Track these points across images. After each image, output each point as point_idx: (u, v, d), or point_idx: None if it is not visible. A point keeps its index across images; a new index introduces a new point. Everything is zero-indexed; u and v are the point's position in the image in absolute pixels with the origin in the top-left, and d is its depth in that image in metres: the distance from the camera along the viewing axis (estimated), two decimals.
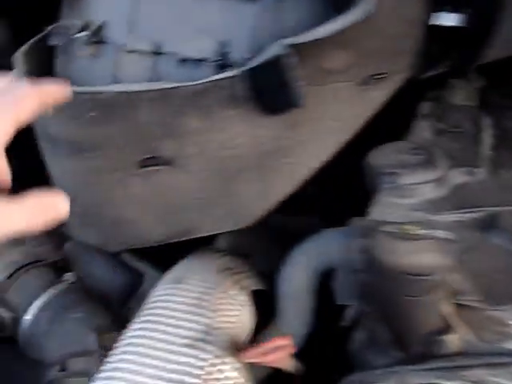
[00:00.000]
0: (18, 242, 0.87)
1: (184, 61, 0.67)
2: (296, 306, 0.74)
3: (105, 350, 0.75)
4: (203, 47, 0.66)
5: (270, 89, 0.59)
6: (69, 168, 0.70)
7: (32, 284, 0.82)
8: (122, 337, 0.66)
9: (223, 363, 0.61)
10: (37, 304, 0.79)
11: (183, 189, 0.68)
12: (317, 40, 0.57)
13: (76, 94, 0.59)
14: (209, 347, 0.61)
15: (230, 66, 0.65)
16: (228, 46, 0.66)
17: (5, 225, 0.36)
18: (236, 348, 0.63)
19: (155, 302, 0.67)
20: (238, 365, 0.62)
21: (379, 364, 0.64)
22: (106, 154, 0.65)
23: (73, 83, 0.70)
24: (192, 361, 0.60)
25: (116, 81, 0.69)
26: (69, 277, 0.82)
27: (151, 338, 0.62)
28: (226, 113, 0.62)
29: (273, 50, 0.59)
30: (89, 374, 0.72)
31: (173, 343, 0.61)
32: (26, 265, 0.83)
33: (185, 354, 0.60)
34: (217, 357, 0.61)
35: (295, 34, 0.59)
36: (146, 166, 0.66)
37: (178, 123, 0.62)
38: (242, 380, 0.62)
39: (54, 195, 0.40)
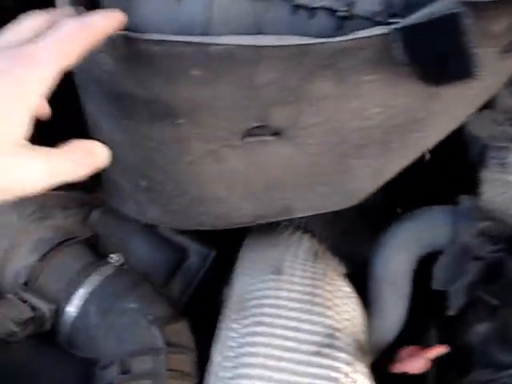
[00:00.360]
0: (43, 215, 0.72)
1: (297, 8, 0.53)
2: (393, 291, 0.66)
3: (171, 346, 0.64)
4: None
5: (435, 54, 0.48)
6: (141, 135, 0.57)
7: (70, 267, 0.68)
8: (222, 341, 0.56)
9: (355, 371, 0.52)
10: (81, 292, 0.66)
11: (289, 164, 0.57)
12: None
13: (171, 44, 0.46)
14: (338, 354, 0.53)
15: (353, 18, 0.54)
16: None
17: (51, 174, 0.37)
18: (361, 350, 0.55)
19: (258, 298, 0.57)
20: (367, 370, 0.54)
21: (509, 362, 0.58)
22: (203, 120, 0.53)
23: (140, 30, 0.57)
24: (324, 372, 0.51)
25: (207, 30, 0.55)
26: (115, 257, 0.69)
27: (268, 345, 0.52)
28: (364, 78, 0.51)
29: (441, 6, 0.47)
30: (157, 376, 0.62)
31: (297, 351, 0.52)
32: (59, 244, 0.69)
33: (313, 364, 0.52)
34: (348, 364, 0.52)
35: None
36: (249, 136, 0.54)
37: (306, 88, 0.50)
38: None
39: (92, 143, 0.40)
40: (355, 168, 0.58)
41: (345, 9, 0.53)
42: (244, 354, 0.53)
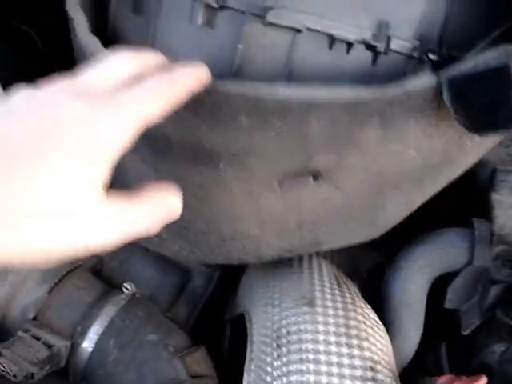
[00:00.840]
0: None
1: (335, 41, 0.53)
2: (411, 312, 0.68)
3: (194, 377, 0.63)
4: (359, 25, 0.53)
5: (484, 105, 0.48)
6: (174, 176, 0.54)
7: (81, 299, 0.66)
8: (257, 376, 0.55)
9: None
10: (97, 326, 0.63)
11: (324, 203, 0.56)
12: None
13: (222, 93, 0.45)
14: None
15: (388, 53, 0.54)
16: (386, 28, 0.54)
17: (129, 229, 0.34)
18: (396, 379, 0.56)
19: (296, 333, 0.56)
20: None
21: None
22: (245, 164, 0.51)
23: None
24: None
25: (234, 64, 0.53)
26: (127, 286, 0.67)
27: (314, 383, 0.52)
28: (409, 122, 0.51)
29: (489, 55, 0.47)
30: None
31: None
32: (66, 273, 0.66)
33: None
34: None
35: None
36: (289, 179, 0.53)
37: (353, 135, 0.50)
38: None
39: (167, 190, 0.38)
40: (386, 203, 0.58)
41: (383, 45, 0.53)
42: None
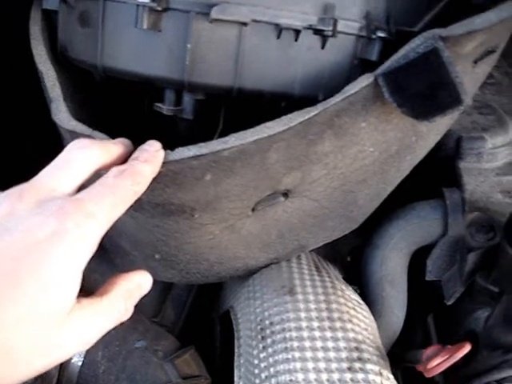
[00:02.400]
0: None
1: (281, 30, 0.53)
2: (393, 288, 0.69)
3: (186, 378, 0.64)
4: (304, 11, 0.53)
5: (424, 90, 0.48)
6: (154, 225, 0.55)
7: None
8: (246, 369, 0.55)
9: (387, 378, 0.54)
10: None
11: (299, 213, 0.58)
12: (471, 32, 0.48)
13: (182, 161, 0.45)
14: (369, 365, 0.54)
15: (337, 35, 0.54)
16: (332, 10, 0.54)
17: (104, 328, 0.36)
18: (383, 356, 0.56)
19: (279, 322, 0.56)
20: (391, 375, 0.55)
21: None
22: (217, 208, 0.52)
23: (114, 64, 0.54)
24: None
25: (184, 63, 0.53)
26: None
27: (304, 370, 0.52)
28: (361, 125, 0.51)
29: (418, 43, 0.48)
30: None
31: (331, 370, 0.53)
32: None
33: (349, 381, 0.52)
34: (379, 374, 0.54)
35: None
36: (260, 205, 0.54)
37: (311, 151, 0.50)
38: None
39: (136, 275, 0.40)
40: (358, 199, 0.59)
41: (330, 28, 0.53)
42: (279, 383, 0.53)
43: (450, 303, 0.65)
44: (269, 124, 0.46)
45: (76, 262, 0.34)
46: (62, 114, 0.51)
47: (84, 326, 0.35)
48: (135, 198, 0.39)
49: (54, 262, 0.33)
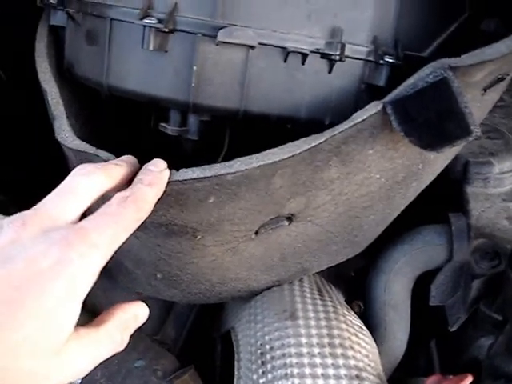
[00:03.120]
0: None
1: (289, 54, 0.52)
2: (397, 313, 0.68)
3: None
4: (312, 35, 0.52)
5: (432, 119, 0.47)
6: (156, 245, 0.55)
7: None
8: None
9: None
10: None
11: (303, 237, 0.57)
12: (481, 62, 0.47)
13: (186, 182, 0.44)
14: None
15: (344, 59, 0.53)
16: (340, 35, 0.53)
17: (94, 358, 0.36)
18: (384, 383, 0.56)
19: (280, 348, 0.56)
20: None
21: None
22: (220, 230, 0.51)
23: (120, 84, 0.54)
24: None
25: (190, 85, 0.52)
26: None
27: None
28: (366, 153, 0.50)
29: (428, 72, 0.47)
30: None
31: None
32: None
33: None
34: None
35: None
36: (263, 228, 0.54)
37: (316, 178, 0.49)
38: None
39: (133, 306, 0.40)
40: (363, 224, 0.59)
41: (337, 52, 0.52)
42: None
43: (453, 330, 0.64)
44: (274, 150, 0.45)
45: (77, 292, 0.34)
46: (64, 133, 0.50)
47: (80, 355, 0.35)
48: (138, 224, 0.38)
49: (55, 292, 0.33)
